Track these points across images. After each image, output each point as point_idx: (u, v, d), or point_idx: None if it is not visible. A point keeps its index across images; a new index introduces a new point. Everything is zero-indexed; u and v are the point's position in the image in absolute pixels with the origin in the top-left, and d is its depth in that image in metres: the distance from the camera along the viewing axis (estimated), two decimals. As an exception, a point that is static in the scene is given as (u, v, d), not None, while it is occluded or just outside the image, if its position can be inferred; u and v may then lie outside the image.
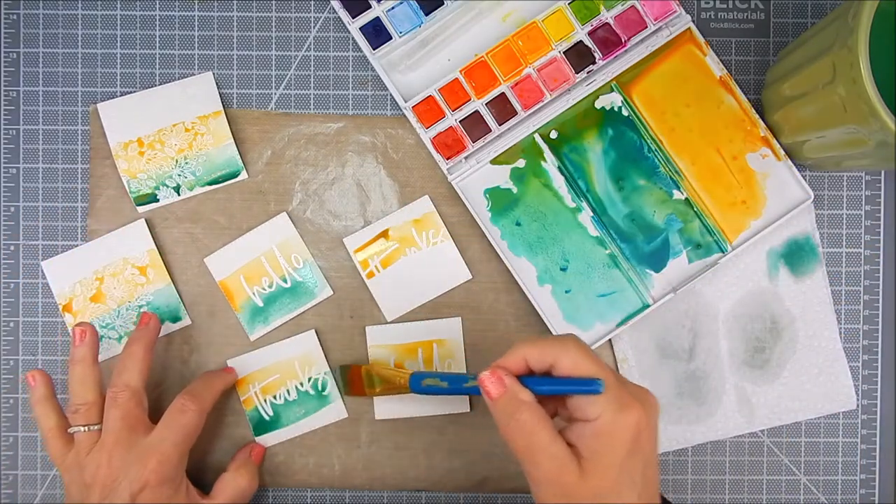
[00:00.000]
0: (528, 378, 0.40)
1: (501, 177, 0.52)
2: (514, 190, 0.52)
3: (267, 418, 0.53)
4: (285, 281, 0.53)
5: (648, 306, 0.51)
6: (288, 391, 0.53)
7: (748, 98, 0.52)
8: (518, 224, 0.52)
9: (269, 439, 0.53)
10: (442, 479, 0.53)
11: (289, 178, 0.53)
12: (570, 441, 0.38)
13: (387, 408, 0.53)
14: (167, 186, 0.52)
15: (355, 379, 0.51)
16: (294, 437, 0.53)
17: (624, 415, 0.38)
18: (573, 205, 0.52)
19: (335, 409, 0.53)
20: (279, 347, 0.53)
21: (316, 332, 0.53)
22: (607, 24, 0.51)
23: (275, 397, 0.53)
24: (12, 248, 0.53)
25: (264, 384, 0.53)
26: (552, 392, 0.39)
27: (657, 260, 0.52)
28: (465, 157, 0.52)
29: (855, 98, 0.40)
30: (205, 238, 0.53)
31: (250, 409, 0.53)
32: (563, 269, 0.52)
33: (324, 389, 0.53)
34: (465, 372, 0.50)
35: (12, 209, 0.53)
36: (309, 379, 0.53)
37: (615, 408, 0.38)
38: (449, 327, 0.53)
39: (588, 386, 0.38)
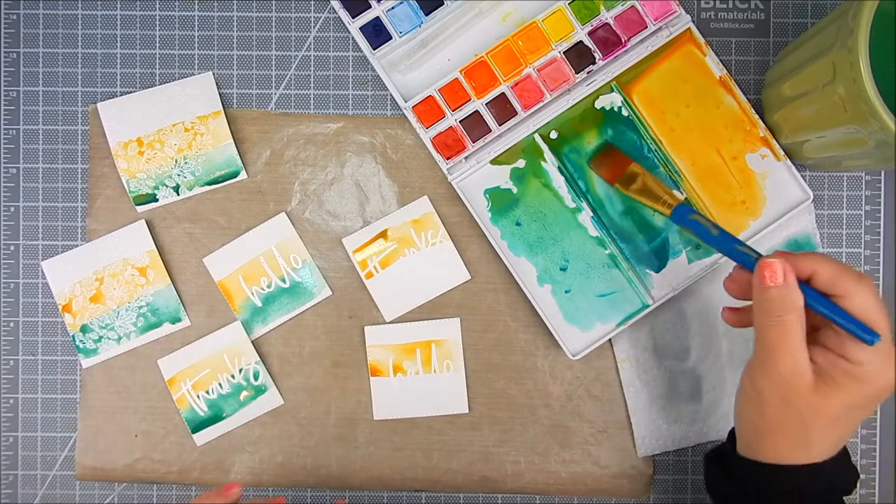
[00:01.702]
0: (810, 289, 0.40)
1: (501, 177, 0.52)
2: (514, 190, 0.52)
3: (202, 414, 0.52)
4: (284, 281, 0.53)
5: (648, 306, 0.51)
6: (220, 384, 0.52)
7: (748, 98, 0.52)
8: (518, 224, 0.52)
9: (206, 435, 0.53)
10: (441, 480, 0.53)
11: (288, 179, 0.53)
12: (816, 360, 0.40)
13: (385, 408, 0.53)
14: (166, 186, 0.52)
15: (615, 164, 0.50)
16: (232, 429, 0.53)
17: (882, 375, 0.39)
18: (573, 205, 0.52)
19: (270, 398, 0.53)
20: (206, 342, 0.52)
21: (241, 323, 0.52)
22: (607, 24, 0.51)
23: (207, 392, 0.52)
24: (12, 248, 0.53)
25: (195, 380, 0.52)
26: (827, 317, 0.39)
27: (657, 260, 0.52)
28: (465, 158, 0.52)
29: (855, 98, 0.40)
30: (204, 238, 0.53)
31: (184, 408, 0.52)
32: (563, 269, 0.52)
33: (256, 379, 0.52)
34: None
35: (12, 209, 0.53)
36: (240, 370, 0.52)
37: (879, 364, 0.39)
38: (448, 328, 0.53)
39: (867, 334, 0.38)
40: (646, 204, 0.49)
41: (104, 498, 0.53)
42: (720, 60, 0.52)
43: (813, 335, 0.41)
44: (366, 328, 0.53)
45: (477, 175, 0.52)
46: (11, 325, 0.53)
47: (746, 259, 0.42)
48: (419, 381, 0.53)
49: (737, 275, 0.44)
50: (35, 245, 0.53)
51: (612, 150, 0.51)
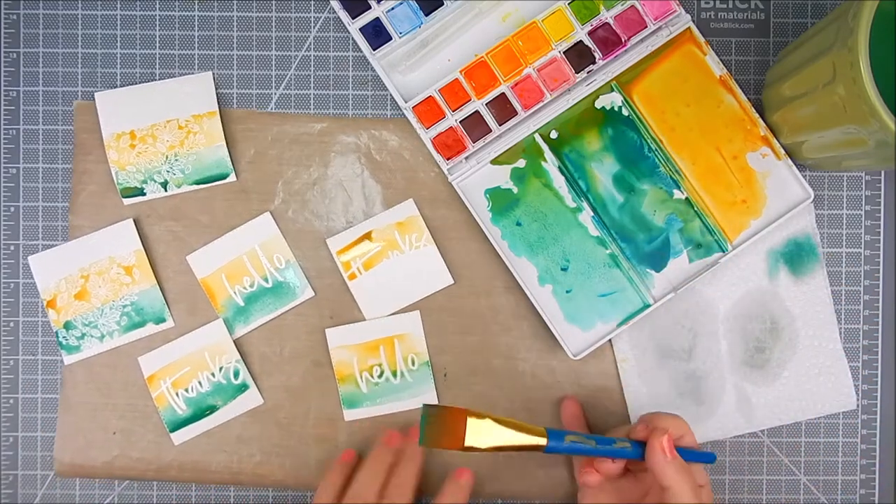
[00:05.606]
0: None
1: (502, 177, 0.52)
2: (515, 190, 0.52)
3: (181, 413, 0.52)
4: (267, 281, 0.52)
5: (649, 306, 0.51)
6: (200, 383, 0.52)
7: (748, 98, 0.52)
8: (519, 224, 0.52)
9: (184, 434, 0.52)
10: (432, 482, 0.52)
11: (272, 178, 0.53)
12: None
13: (355, 410, 0.52)
14: (155, 181, 0.52)
15: (451, 425, 0.41)
16: (211, 428, 0.52)
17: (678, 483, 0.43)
18: (574, 205, 0.52)
19: (251, 397, 0.52)
20: (187, 340, 0.52)
21: (224, 322, 0.52)
22: (607, 23, 0.51)
23: (187, 390, 0.52)
24: (12, 248, 0.53)
25: (175, 378, 0.52)
26: (694, 462, 0.46)
27: (658, 259, 0.52)
28: (466, 158, 0.52)
29: (855, 98, 0.40)
30: (187, 236, 0.53)
31: (163, 407, 0.52)
32: (564, 269, 0.52)
33: (236, 377, 0.52)
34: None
35: (12, 209, 0.53)
36: (220, 368, 0.52)
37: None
38: (408, 322, 0.52)
39: (706, 459, 0.47)
40: (514, 449, 0.42)
41: (104, 498, 0.53)
42: (720, 60, 0.52)
43: None
44: (327, 330, 0.52)
45: (477, 175, 0.52)
46: (11, 325, 0.53)
47: (625, 451, 0.45)
48: (387, 379, 0.52)
49: (601, 467, 0.45)
50: (35, 245, 0.53)
51: (430, 409, 0.42)
